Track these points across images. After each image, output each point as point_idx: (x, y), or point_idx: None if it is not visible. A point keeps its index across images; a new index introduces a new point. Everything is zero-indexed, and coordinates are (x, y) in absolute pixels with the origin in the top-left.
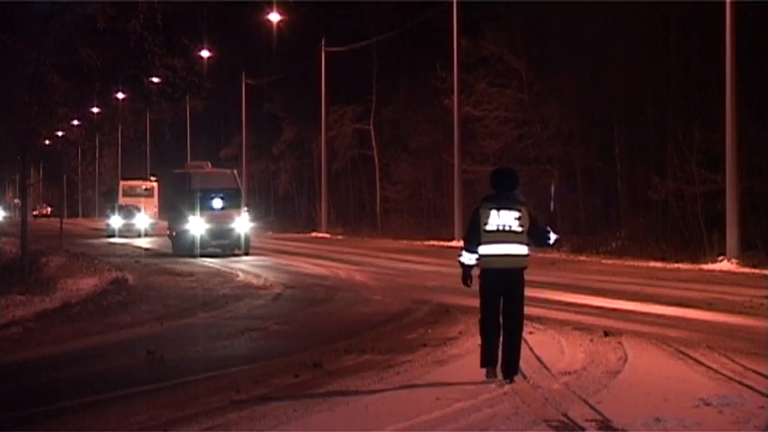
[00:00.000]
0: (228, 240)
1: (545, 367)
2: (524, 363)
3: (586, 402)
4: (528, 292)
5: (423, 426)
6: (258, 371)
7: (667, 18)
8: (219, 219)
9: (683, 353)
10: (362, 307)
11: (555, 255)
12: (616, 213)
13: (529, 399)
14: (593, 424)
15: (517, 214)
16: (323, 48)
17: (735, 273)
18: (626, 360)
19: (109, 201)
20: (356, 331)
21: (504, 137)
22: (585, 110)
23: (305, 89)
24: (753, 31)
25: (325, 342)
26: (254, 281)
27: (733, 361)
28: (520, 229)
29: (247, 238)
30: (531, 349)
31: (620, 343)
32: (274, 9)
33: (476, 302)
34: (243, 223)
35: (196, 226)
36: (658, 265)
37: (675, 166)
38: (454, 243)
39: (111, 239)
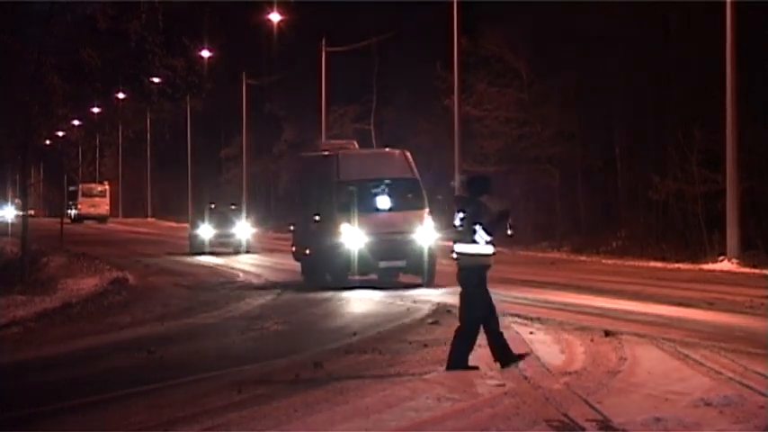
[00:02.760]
0: (406, 261)
1: (545, 367)
2: (525, 363)
3: (587, 402)
4: (528, 292)
5: (424, 426)
6: (259, 371)
7: (667, 17)
8: (389, 226)
9: (683, 353)
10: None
11: (555, 255)
12: (616, 213)
13: (529, 399)
14: (594, 424)
15: (462, 215)
16: (323, 48)
17: (735, 273)
18: (626, 360)
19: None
20: (357, 331)
21: (504, 137)
22: (586, 110)
23: (305, 89)
24: (753, 30)
25: (326, 342)
26: (254, 280)
27: (733, 361)
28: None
29: (433, 259)
30: (531, 350)
31: (620, 343)
32: (275, 9)
33: None
34: (426, 234)
35: (351, 238)
36: (659, 265)
37: (676, 166)
38: None
39: (198, 257)
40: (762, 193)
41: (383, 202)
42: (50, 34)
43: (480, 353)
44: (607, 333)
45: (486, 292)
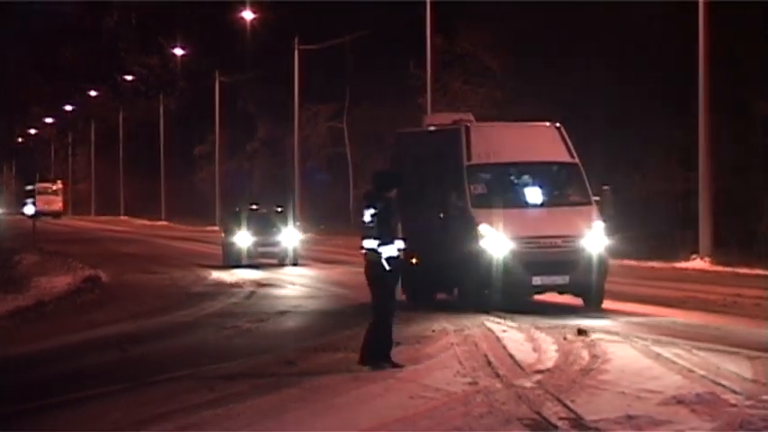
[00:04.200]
0: (569, 276)
1: (518, 366)
2: (498, 361)
3: (559, 401)
4: None
5: (396, 425)
6: (232, 369)
7: (647, 16)
8: (544, 228)
9: (656, 351)
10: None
11: None
12: None
13: (502, 397)
14: (567, 422)
15: (372, 211)
16: (296, 46)
17: (708, 271)
18: (599, 358)
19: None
20: (330, 330)
21: None
22: (561, 108)
23: (278, 87)
24: (727, 30)
25: (299, 340)
26: (227, 278)
27: (706, 359)
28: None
29: (603, 276)
30: (504, 348)
31: (593, 341)
32: (248, 7)
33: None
34: (596, 239)
35: (492, 244)
36: (632, 263)
37: (651, 165)
38: None
39: (234, 270)
40: (734, 192)
41: (533, 194)
42: (25, 33)
43: (456, 351)
44: (580, 331)
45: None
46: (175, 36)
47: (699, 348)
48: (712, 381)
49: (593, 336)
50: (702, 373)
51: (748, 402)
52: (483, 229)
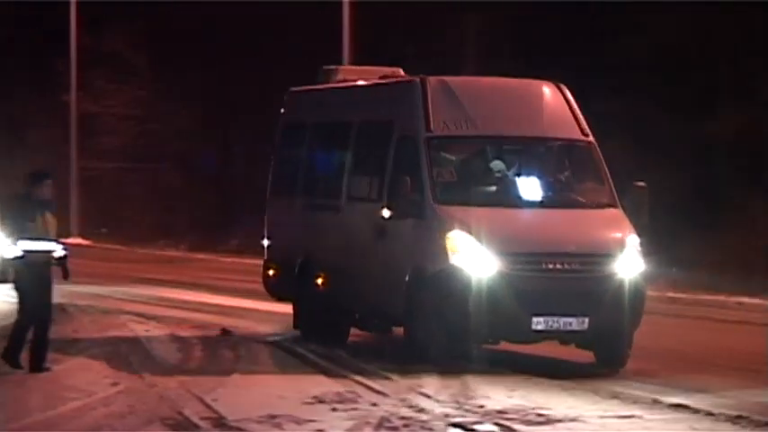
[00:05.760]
0: (588, 318)
1: (161, 366)
2: (139, 362)
3: (202, 401)
4: (145, 290)
5: (36, 426)
6: None
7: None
8: (550, 240)
9: (299, 351)
10: None
11: (173, 253)
12: (234, 212)
13: (144, 397)
14: (209, 422)
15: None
16: None
17: None
18: (243, 358)
19: None
20: None
21: (124, 134)
22: (208, 108)
23: None
24: None
25: None
26: None
27: (347, 359)
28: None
29: (638, 317)
30: (147, 348)
31: (237, 341)
32: None
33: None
34: (630, 261)
35: (471, 261)
36: None
37: None
38: (71, 240)
39: None
40: None
41: (530, 187)
42: None
43: (100, 352)
44: (224, 331)
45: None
46: None
47: (349, 349)
48: (353, 380)
49: (237, 336)
50: (344, 373)
51: (389, 401)
52: (456, 238)
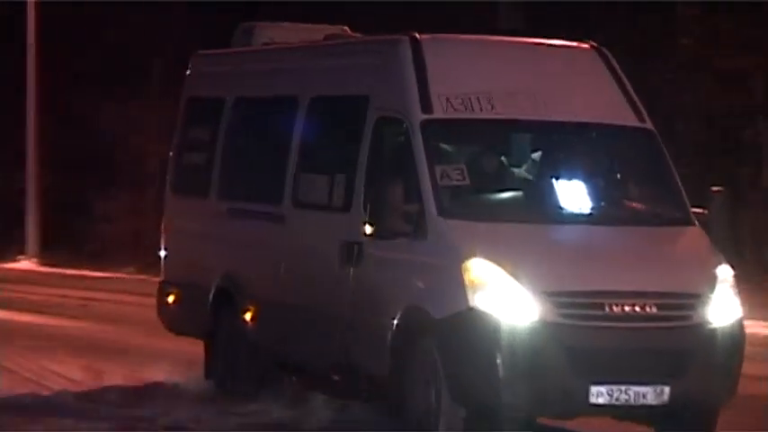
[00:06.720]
0: (670, 386)
1: None
2: None
3: None
4: None
5: None
6: None
7: None
8: (614, 272)
9: None
10: None
11: None
12: None
13: None
14: None
15: None
16: None
17: (35, 271)
18: None
19: None
20: None
21: None
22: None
23: None
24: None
25: None
26: None
27: (34, 360)
28: None
29: (735, 378)
30: None
31: None
32: None
33: None
34: (724, 303)
35: (502, 307)
36: None
37: None
38: None
39: None
40: (64, 191)
41: (574, 195)
42: None
43: None
44: None
45: None
46: None
47: (25, 348)
48: (38, 382)
49: None
50: (28, 375)
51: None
52: (478, 269)
